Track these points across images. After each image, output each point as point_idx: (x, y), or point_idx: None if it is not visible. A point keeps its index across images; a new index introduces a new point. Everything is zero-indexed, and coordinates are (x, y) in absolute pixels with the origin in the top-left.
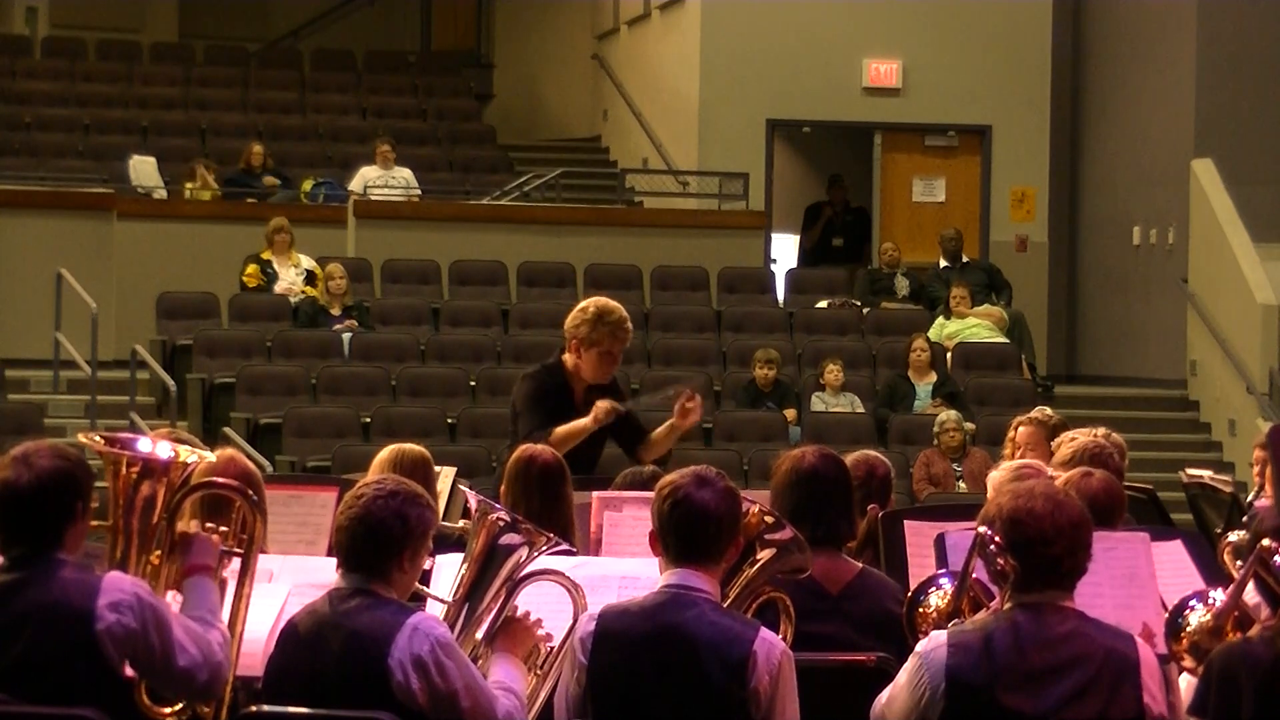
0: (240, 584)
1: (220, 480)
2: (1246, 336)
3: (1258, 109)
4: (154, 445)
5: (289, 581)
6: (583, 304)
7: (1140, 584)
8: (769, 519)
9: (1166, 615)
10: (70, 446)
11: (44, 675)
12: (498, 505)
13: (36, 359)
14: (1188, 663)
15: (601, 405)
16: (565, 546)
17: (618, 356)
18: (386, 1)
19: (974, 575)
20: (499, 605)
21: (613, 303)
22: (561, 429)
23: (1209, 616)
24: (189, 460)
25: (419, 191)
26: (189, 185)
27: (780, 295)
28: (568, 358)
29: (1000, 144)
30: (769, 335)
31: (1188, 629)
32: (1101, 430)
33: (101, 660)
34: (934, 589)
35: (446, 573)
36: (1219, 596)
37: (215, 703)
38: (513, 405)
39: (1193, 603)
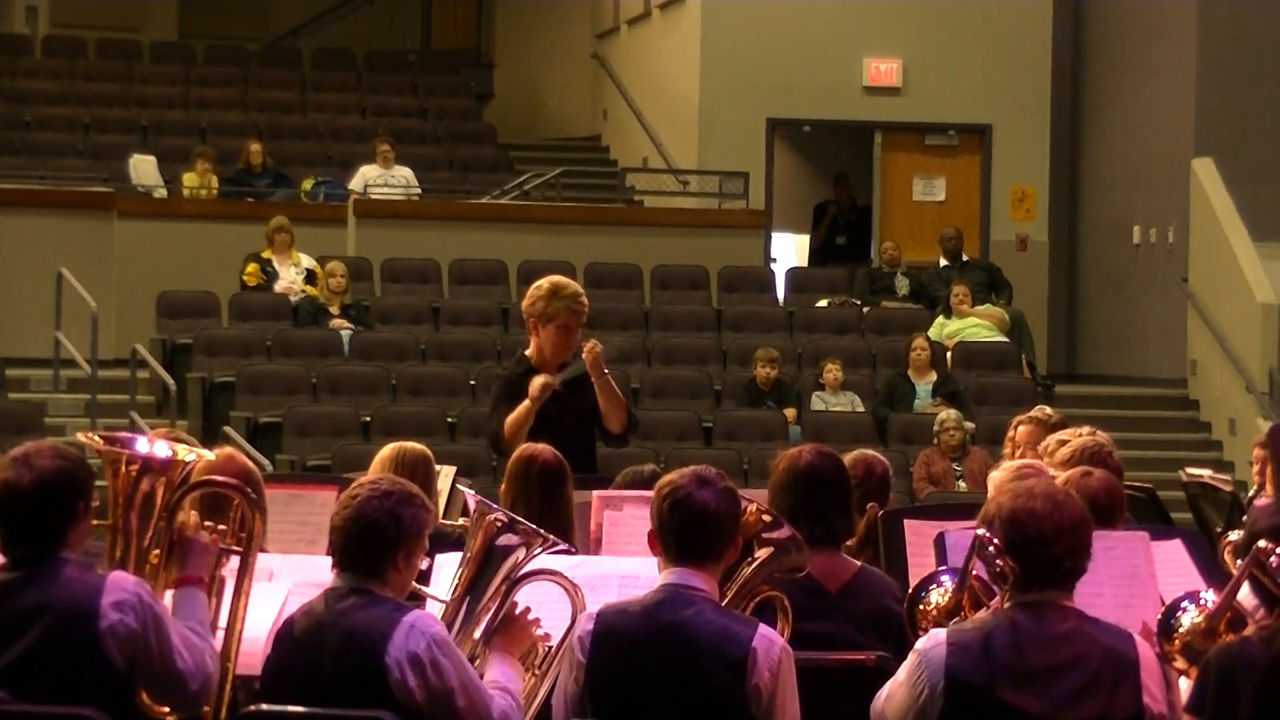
0: (239, 582)
1: (219, 478)
2: (1246, 336)
3: (1258, 109)
4: (153, 444)
5: (289, 581)
6: (537, 283)
7: (1140, 584)
8: (766, 518)
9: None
10: (70, 446)
11: (46, 674)
12: (495, 505)
13: (36, 358)
14: (1179, 664)
15: (535, 383)
16: (564, 546)
17: (575, 330)
18: (386, 1)
19: (974, 574)
20: (497, 605)
21: (566, 278)
22: (509, 418)
23: (1201, 618)
24: (188, 459)
25: (419, 191)
26: (186, 172)
27: (780, 294)
28: (530, 344)
29: (1000, 143)
30: (769, 334)
31: (1180, 630)
32: (1087, 429)
33: (103, 659)
34: (935, 586)
35: (446, 572)
36: (1210, 597)
37: (215, 702)
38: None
39: (1184, 603)
